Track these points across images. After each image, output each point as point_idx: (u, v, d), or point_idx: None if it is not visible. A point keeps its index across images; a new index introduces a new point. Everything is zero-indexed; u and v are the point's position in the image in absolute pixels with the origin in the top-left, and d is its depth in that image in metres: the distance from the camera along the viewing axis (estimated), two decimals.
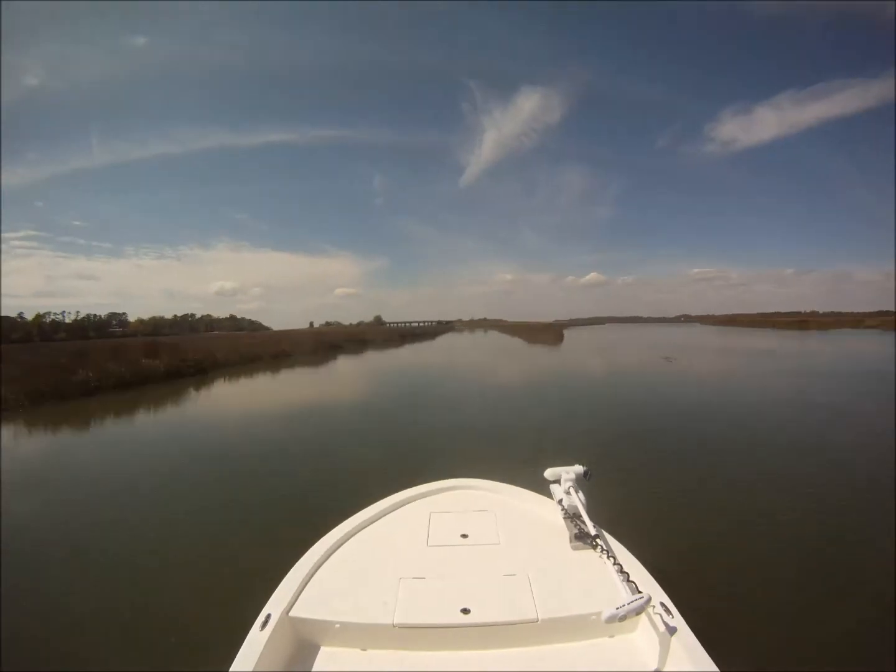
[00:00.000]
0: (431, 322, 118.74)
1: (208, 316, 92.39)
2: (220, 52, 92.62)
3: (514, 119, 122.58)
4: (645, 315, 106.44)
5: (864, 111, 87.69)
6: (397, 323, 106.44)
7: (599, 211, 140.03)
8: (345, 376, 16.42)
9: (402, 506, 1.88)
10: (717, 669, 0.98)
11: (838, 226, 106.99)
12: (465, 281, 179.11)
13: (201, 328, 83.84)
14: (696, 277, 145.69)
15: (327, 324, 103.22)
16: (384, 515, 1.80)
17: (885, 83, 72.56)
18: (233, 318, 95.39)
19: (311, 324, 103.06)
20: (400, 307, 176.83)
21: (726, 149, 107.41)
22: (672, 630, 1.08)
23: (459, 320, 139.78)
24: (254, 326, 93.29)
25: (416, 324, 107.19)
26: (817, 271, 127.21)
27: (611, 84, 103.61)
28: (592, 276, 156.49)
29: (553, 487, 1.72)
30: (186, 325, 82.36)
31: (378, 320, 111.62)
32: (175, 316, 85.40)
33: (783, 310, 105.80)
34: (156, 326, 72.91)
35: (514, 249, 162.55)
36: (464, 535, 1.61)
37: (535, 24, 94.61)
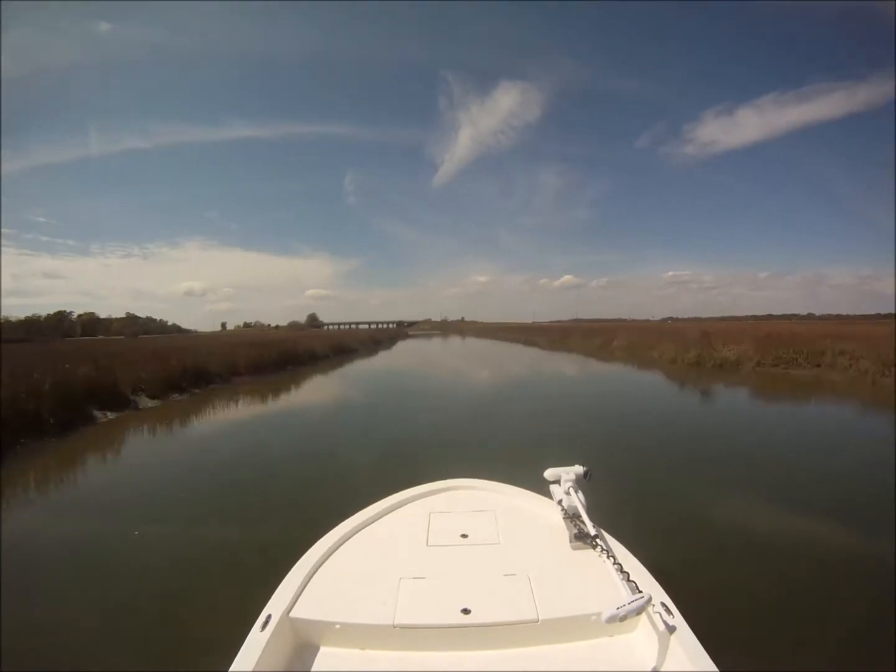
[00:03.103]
0: (390, 323, 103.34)
1: (89, 314, 73.81)
2: (187, 42, 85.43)
3: (491, 115, 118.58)
4: (629, 318, 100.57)
5: (848, 115, 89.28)
6: (339, 325, 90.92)
7: (575, 213, 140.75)
8: None
9: (401, 506, 1.92)
10: (716, 669, 1.04)
11: (814, 229, 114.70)
12: (441, 282, 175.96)
13: (77, 330, 65.28)
14: (669, 280, 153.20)
15: (246, 325, 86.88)
16: (384, 516, 1.85)
17: (871, 87, 74.44)
18: (132, 317, 76.81)
19: (224, 325, 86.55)
20: (375, 308, 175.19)
21: (705, 150, 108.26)
22: (672, 630, 1.14)
23: (429, 320, 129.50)
24: (163, 329, 75.26)
25: (369, 325, 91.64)
26: (792, 275, 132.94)
27: (591, 82, 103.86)
28: (567, 278, 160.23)
29: (553, 488, 1.79)
30: (52, 326, 63.15)
31: (312, 320, 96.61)
32: (49, 314, 66.59)
33: (775, 312, 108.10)
34: None
35: (489, 250, 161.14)
36: (464, 536, 1.67)
37: (517, 16, 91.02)
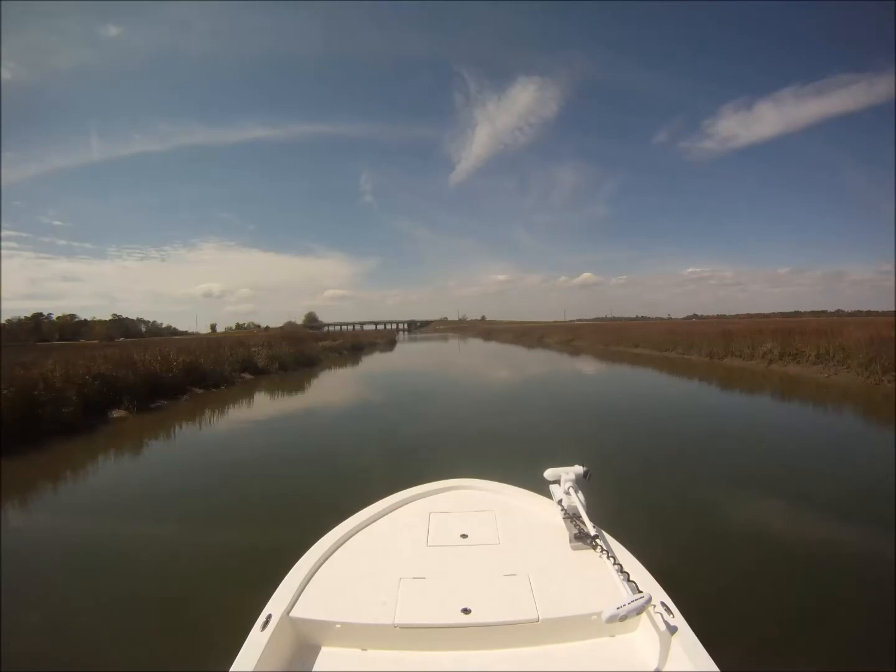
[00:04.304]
0: (402, 323, 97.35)
1: (68, 317, 68.18)
2: (198, 42, 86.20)
3: (508, 112, 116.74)
4: (653, 315, 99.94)
5: (868, 107, 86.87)
6: (342, 325, 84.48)
7: (593, 210, 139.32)
8: None
9: (401, 506, 1.94)
10: (717, 669, 1.05)
11: (834, 224, 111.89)
12: (459, 281, 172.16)
13: (54, 335, 59.46)
14: (689, 277, 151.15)
15: (238, 326, 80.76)
16: (384, 515, 1.87)
17: (890, 79, 68.77)
18: (116, 319, 71.01)
19: (213, 327, 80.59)
20: (392, 308, 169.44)
21: (725, 145, 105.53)
22: (672, 630, 1.15)
23: (444, 319, 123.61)
24: (156, 331, 69.42)
25: (375, 325, 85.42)
26: (812, 270, 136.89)
27: (608, 76, 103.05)
28: (586, 275, 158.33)
29: (553, 488, 1.81)
30: (29, 330, 57.14)
31: (310, 319, 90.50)
32: (26, 317, 60.83)
33: (783, 310, 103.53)
34: None
35: (507, 249, 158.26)
36: (464, 535, 1.68)
37: (531, 10, 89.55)
